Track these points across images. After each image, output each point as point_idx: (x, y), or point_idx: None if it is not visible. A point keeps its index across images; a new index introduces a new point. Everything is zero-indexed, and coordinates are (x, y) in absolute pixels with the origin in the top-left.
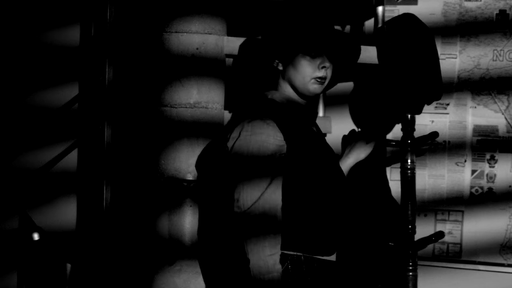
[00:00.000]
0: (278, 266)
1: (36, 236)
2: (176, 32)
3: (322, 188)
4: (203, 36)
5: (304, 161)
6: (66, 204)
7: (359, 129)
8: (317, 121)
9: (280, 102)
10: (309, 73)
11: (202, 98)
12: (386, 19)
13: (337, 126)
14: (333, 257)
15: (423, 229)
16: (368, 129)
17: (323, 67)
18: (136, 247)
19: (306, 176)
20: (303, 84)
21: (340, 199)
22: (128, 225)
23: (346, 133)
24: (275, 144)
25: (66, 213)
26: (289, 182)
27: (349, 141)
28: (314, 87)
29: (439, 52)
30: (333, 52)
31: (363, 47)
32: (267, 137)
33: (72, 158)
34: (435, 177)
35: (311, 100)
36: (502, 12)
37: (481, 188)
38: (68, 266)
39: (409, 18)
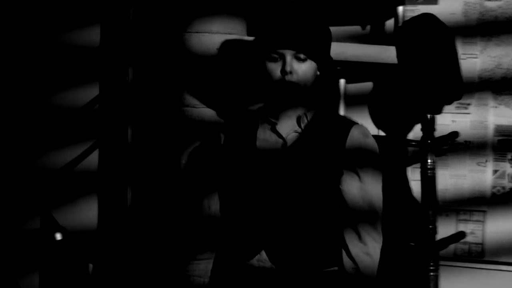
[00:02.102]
0: None
1: (58, 236)
2: (197, 32)
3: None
4: (224, 36)
5: (234, 169)
6: (88, 204)
7: (380, 131)
8: None
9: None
10: (273, 76)
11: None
12: (407, 19)
13: None
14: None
15: (445, 229)
16: (389, 131)
17: (285, 71)
18: (158, 247)
19: (232, 185)
20: (272, 88)
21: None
22: (150, 225)
23: None
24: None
25: (88, 213)
26: (224, 191)
27: None
28: (282, 89)
29: (459, 52)
30: (303, 47)
31: (383, 47)
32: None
33: (93, 158)
34: (457, 177)
35: (294, 101)
36: None
37: (503, 188)
38: (90, 266)
39: (428, 17)
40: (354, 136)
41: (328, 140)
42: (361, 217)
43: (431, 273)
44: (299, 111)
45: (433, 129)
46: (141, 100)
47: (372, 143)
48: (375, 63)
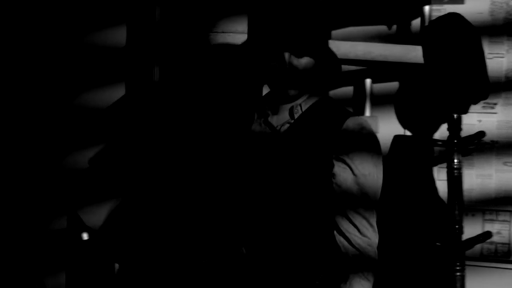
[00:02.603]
0: None
1: (85, 236)
2: (222, 32)
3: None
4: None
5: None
6: (114, 204)
7: (406, 131)
8: None
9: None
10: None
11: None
12: (433, 18)
13: (384, 126)
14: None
15: (471, 229)
16: (416, 131)
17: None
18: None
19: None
20: (271, 79)
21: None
22: (174, 225)
23: (393, 133)
24: None
25: (114, 213)
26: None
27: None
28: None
29: (486, 52)
30: (298, 47)
31: (410, 47)
32: None
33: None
34: (483, 176)
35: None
36: None
37: None
38: (116, 265)
39: (454, 17)
40: (348, 127)
41: (320, 131)
42: (357, 211)
43: (458, 273)
44: (296, 102)
45: (459, 129)
46: (168, 100)
47: (368, 134)
48: (401, 62)
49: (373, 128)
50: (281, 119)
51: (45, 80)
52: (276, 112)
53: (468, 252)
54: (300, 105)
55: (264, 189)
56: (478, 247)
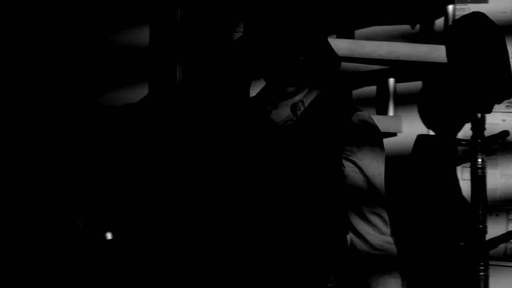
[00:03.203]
0: None
1: (109, 236)
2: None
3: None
4: None
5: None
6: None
7: (430, 131)
8: (387, 121)
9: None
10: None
11: None
12: (457, 17)
13: (407, 125)
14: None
15: (495, 229)
16: (439, 130)
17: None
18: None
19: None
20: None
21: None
22: (198, 224)
23: (417, 133)
24: None
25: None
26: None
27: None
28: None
29: (510, 51)
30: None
31: (433, 46)
32: None
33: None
34: (507, 176)
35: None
36: None
37: None
38: (140, 266)
39: (478, 16)
40: (354, 125)
41: (326, 129)
42: (372, 211)
43: (481, 273)
44: (297, 98)
45: (483, 128)
46: (191, 100)
47: (373, 131)
48: (425, 62)
49: (397, 128)
50: (281, 115)
51: (69, 79)
52: (275, 108)
53: (492, 252)
54: (302, 101)
55: (268, 190)
56: (502, 247)
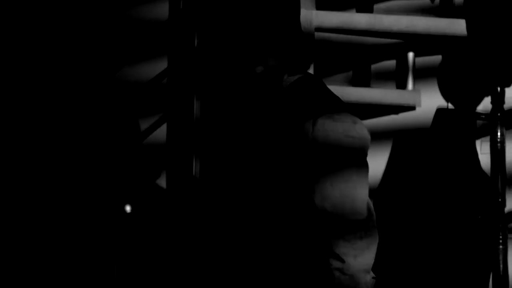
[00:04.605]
0: None
1: (128, 209)
2: None
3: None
4: None
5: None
6: (156, 177)
7: (449, 104)
8: (406, 95)
9: None
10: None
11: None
12: None
13: (427, 99)
14: None
15: None
16: (459, 104)
17: None
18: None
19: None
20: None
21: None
22: (218, 198)
23: (436, 107)
24: None
25: (156, 186)
26: None
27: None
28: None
29: None
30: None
31: (453, 20)
32: None
33: (161, 131)
34: None
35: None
36: None
37: None
38: (160, 239)
39: None
40: (318, 134)
41: (287, 133)
42: (335, 229)
43: (500, 246)
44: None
45: (503, 102)
46: (209, 73)
47: (341, 143)
48: (444, 36)
49: (416, 101)
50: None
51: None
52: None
53: (511, 225)
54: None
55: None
56: None
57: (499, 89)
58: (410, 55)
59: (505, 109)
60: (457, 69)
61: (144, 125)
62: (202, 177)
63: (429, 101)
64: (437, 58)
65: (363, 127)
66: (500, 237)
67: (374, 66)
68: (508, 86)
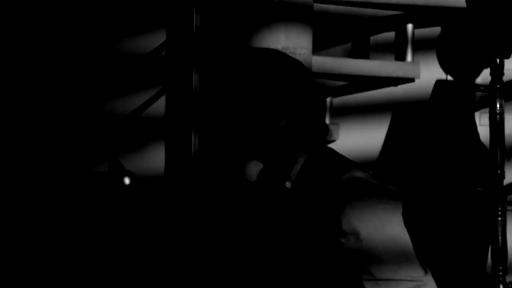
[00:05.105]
0: None
1: (127, 181)
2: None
3: None
4: None
5: None
6: (155, 150)
7: (448, 76)
8: (405, 67)
9: None
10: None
11: (290, 43)
12: None
13: (426, 71)
14: None
15: None
16: (458, 76)
17: None
18: (224, 192)
19: None
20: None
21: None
22: (216, 170)
23: (435, 79)
24: None
25: (155, 158)
26: None
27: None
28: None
29: None
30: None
31: None
32: None
33: (160, 104)
34: None
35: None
36: None
37: None
38: (158, 211)
39: None
40: (345, 185)
41: (317, 197)
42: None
43: (499, 218)
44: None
45: (502, 74)
46: (208, 45)
47: (372, 189)
48: (443, 7)
49: (415, 73)
50: (274, 181)
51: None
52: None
53: (510, 197)
54: (289, 177)
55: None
56: None
57: (498, 60)
58: (409, 27)
59: (504, 81)
60: (456, 41)
61: (143, 97)
62: (201, 150)
63: (428, 73)
64: (437, 29)
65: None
66: (499, 209)
67: (373, 38)
68: (507, 57)
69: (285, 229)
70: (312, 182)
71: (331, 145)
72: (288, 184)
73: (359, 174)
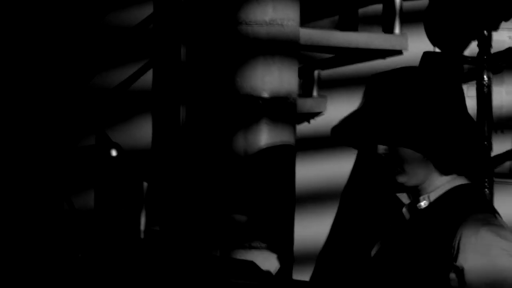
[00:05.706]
0: None
1: (114, 153)
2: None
3: None
4: None
5: None
6: (142, 123)
7: (435, 48)
8: (393, 39)
9: None
10: None
11: (278, 15)
12: None
13: (413, 43)
14: None
15: (500, 146)
16: (445, 48)
17: None
18: (211, 165)
19: None
20: None
21: None
22: (203, 143)
23: (423, 51)
24: None
25: (142, 132)
26: None
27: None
28: None
29: None
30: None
31: None
32: None
33: (147, 77)
34: None
35: None
36: None
37: None
38: (145, 184)
39: None
40: (465, 229)
41: (440, 232)
42: None
43: (486, 190)
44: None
45: (489, 46)
46: (195, 18)
47: (495, 243)
48: None
49: (403, 45)
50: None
51: None
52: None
53: (497, 169)
54: (429, 196)
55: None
56: (507, 164)
57: (486, 32)
58: None
59: (492, 53)
60: (444, 12)
61: (130, 70)
62: (189, 123)
63: (416, 45)
64: (424, 1)
65: None
66: (486, 181)
67: (361, 10)
68: (495, 29)
69: (405, 247)
70: (445, 212)
71: (318, 118)
72: (424, 203)
73: (494, 221)
